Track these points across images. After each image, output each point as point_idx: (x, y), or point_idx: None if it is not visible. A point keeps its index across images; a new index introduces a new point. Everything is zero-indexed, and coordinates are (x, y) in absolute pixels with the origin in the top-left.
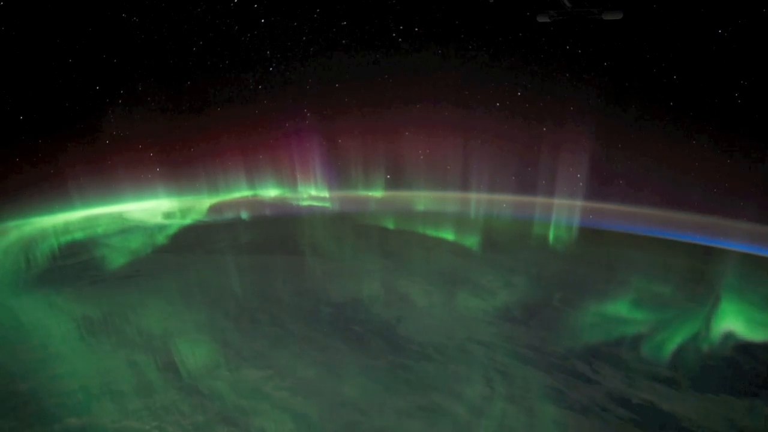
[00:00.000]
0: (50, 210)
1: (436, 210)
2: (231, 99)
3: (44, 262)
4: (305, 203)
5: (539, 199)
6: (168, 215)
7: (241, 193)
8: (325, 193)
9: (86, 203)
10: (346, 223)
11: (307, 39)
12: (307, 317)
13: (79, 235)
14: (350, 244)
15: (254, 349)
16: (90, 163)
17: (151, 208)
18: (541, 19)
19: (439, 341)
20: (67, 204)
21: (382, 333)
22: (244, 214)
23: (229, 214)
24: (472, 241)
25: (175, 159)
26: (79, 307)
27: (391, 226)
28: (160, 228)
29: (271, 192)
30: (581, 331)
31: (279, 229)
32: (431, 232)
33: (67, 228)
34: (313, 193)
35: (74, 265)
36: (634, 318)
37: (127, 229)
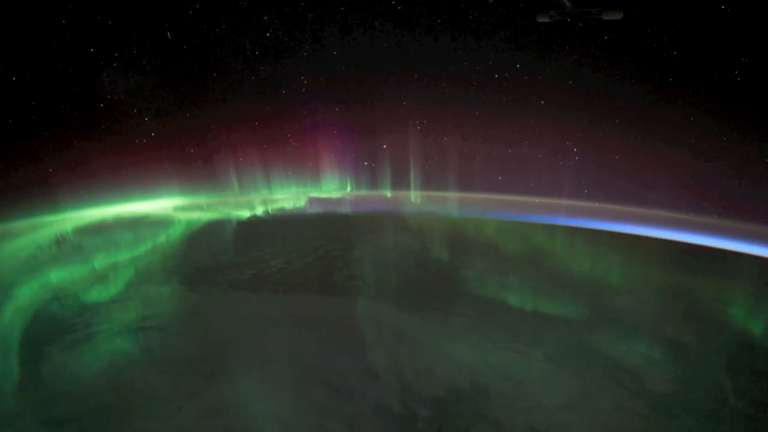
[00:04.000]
0: (37, 209)
1: (478, 216)
2: (228, 65)
3: (27, 299)
4: (321, 196)
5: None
6: (176, 217)
7: (249, 185)
8: (345, 188)
9: (79, 196)
10: (386, 239)
11: (305, 5)
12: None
13: (72, 250)
14: (404, 276)
15: None
16: (84, 131)
17: (158, 208)
18: (542, 19)
19: None
20: (57, 199)
21: None
22: (261, 213)
23: (243, 211)
24: (551, 265)
25: (172, 123)
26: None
27: (442, 240)
28: (170, 239)
29: (281, 182)
30: None
31: (309, 244)
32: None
33: (58, 240)
34: (330, 189)
35: (65, 302)
36: None
37: (131, 241)
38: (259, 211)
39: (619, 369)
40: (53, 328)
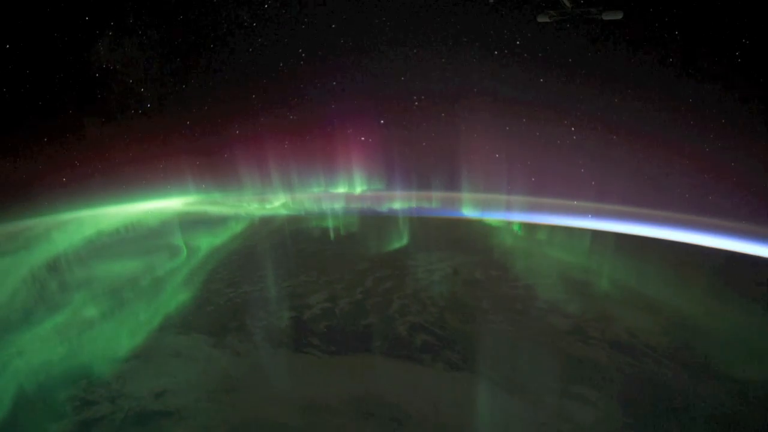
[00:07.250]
0: (25, 210)
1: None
2: (225, 36)
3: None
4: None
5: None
6: (182, 221)
7: (254, 175)
8: (363, 185)
9: (70, 196)
10: (441, 259)
11: None
12: None
13: (59, 284)
14: (485, 326)
15: None
16: (79, 104)
17: (159, 208)
18: (542, 19)
19: None
20: (43, 199)
21: None
22: (276, 212)
23: (255, 208)
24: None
25: (168, 95)
26: None
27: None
28: (181, 258)
29: (288, 175)
30: None
31: (351, 267)
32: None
33: (44, 270)
34: (350, 184)
35: (53, 364)
36: None
37: (134, 266)
38: (275, 209)
39: None
40: (37, 411)
